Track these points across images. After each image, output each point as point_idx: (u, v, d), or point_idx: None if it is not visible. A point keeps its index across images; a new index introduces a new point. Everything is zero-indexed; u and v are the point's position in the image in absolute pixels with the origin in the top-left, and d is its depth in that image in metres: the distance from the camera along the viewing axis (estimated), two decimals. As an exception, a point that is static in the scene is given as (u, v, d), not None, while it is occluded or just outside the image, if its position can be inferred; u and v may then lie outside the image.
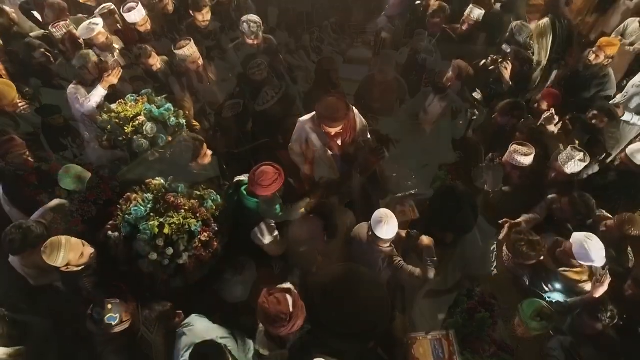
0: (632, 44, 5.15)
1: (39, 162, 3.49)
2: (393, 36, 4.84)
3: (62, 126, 3.92)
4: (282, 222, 3.21)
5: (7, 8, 4.43)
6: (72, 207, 3.13)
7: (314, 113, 3.36)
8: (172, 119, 3.51)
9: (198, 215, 2.94)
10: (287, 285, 2.60)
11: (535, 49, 4.77)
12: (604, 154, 4.21)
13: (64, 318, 3.22)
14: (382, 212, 2.97)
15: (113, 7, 4.40)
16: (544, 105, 4.02)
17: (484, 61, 4.32)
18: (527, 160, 3.40)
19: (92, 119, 3.60)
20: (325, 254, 3.28)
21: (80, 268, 2.83)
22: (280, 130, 4.37)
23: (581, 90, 4.41)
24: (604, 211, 3.39)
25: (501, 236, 3.25)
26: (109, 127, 3.40)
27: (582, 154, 3.32)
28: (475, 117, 3.98)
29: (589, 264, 2.87)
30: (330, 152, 3.50)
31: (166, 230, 2.82)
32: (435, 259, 3.14)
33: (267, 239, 3.06)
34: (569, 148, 3.38)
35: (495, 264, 3.21)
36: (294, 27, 5.07)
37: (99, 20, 4.11)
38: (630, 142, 4.91)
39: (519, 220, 3.34)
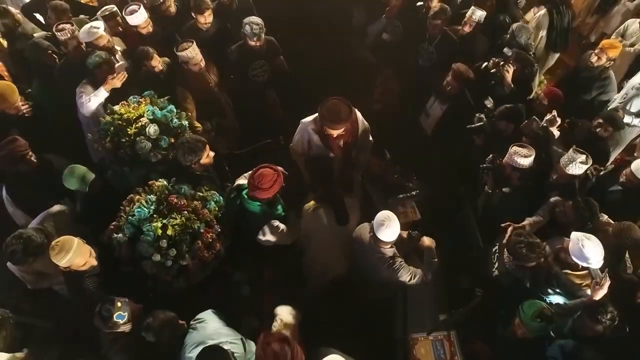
0: (632, 45, 5.17)
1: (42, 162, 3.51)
2: (394, 37, 4.85)
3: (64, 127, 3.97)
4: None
5: (11, 9, 4.44)
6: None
7: (316, 115, 3.38)
8: (175, 120, 3.52)
9: (201, 216, 2.96)
10: (285, 333, 2.53)
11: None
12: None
13: (65, 319, 3.24)
14: (385, 215, 2.98)
15: (115, 9, 4.41)
16: (545, 102, 4.03)
17: (485, 64, 4.32)
18: (527, 162, 3.41)
19: (95, 120, 3.62)
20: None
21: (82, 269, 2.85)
22: (281, 131, 4.40)
23: (582, 91, 4.42)
24: (606, 216, 3.40)
25: (505, 240, 3.27)
26: (112, 128, 3.41)
27: (584, 156, 3.32)
28: (482, 123, 3.98)
29: (584, 263, 2.88)
30: (332, 154, 3.51)
31: (169, 232, 2.84)
32: (436, 260, 3.15)
33: (273, 239, 3.08)
34: (571, 150, 3.38)
35: (496, 265, 3.22)
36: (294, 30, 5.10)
37: (100, 24, 4.11)
38: (630, 143, 4.94)
39: (524, 223, 3.34)
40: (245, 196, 3.08)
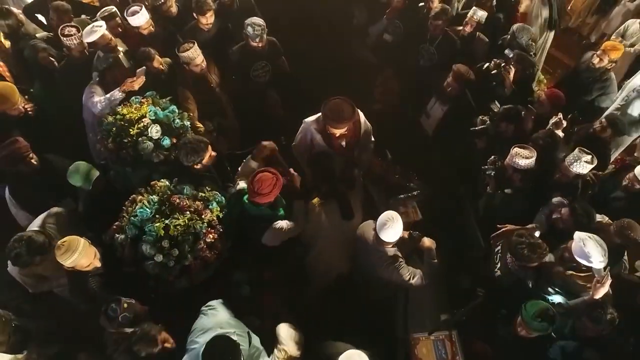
0: (632, 45, 5.17)
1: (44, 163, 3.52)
2: (395, 38, 4.86)
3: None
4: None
5: (14, 9, 4.44)
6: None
7: (319, 114, 3.40)
8: (177, 120, 3.53)
9: (203, 216, 2.97)
10: None
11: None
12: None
13: (65, 320, 3.24)
14: (389, 215, 3.00)
15: (114, 9, 4.41)
16: (546, 104, 4.04)
17: (486, 65, 4.33)
18: (528, 163, 3.42)
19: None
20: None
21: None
22: (283, 131, 4.41)
23: (582, 92, 4.42)
24: (607, 218, 3.41)
25: (495, 234, 3.34)
26: (114, 129, 3.42)
27: (589, 156, 3.34)
28: (486, 125, 3.99)
29: (586, 262, 2.88)
30: (334, 153, 3.52)
31: (171, 232, 2.85)
32: (436, 261, 3.16)
33: (279, 240, 3.09)
34: (577, 150, 3.40)
35: (499, 265, 3.22)
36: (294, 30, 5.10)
37: (102, 22, 4.12)
38: (631, 144, 4.96)
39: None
40: (247, 201, 3.09)
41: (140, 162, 3.41)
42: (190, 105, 4.02)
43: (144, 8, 4.20)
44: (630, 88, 4.55)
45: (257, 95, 4.56)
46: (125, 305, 2.61)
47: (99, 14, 4.36)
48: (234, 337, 2.45)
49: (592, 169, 3.44)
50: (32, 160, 3.37)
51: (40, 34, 4.55)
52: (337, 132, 3.31)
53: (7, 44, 4.31)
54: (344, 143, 3.47)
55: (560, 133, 3.82)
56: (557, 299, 3.02)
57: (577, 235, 2.95)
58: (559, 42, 6.72)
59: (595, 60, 4.27)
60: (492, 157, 3.71)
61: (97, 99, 3.70)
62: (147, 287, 3.03)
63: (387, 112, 4.76)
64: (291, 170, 3.26)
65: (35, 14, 4.88)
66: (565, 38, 6.94)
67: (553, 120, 3.75)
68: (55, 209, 3.32)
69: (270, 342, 2.78)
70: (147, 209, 2.93)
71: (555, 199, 3.47)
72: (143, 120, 3.41)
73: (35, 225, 3.19)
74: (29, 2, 5.07)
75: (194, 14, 4.38)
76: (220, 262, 3.06)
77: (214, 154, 3.34)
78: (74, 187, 3.37)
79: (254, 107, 4.59)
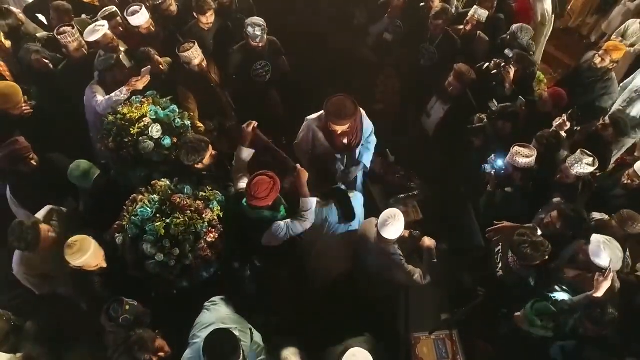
0: (632, 45, 5.17)
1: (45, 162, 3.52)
2: (396, 37, 4.86)
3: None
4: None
5: (14, 9, 4.44)
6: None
7: (321, 112, 3.40)
8: (177, 120, 3.53)
9: (204, 216, 2.96)
10: None
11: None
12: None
13: (65, 319, 3.24)
14: (390, 212, 3.01)
15: (115, 9, 4.41)
16: (548, 102, 4.05)
17: (487, 64, 4.33)
18: (528, 162, 3.42)
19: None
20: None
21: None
22: (283, 131, 4.41)
23: (583, 92, 4.41)
24: (606, 215, 3.41)
25: (491, 230, 3.37)
26: (114, 128, 3.42)
27: (591, 158, 3.34)
28: (483, 124, 4.00)
29: (604, 265, 2.89)
30: (335, 152, 3.52)
31: (172, 231, 2.84)
32: (436, 260, 3.16)
33: (279, 240, 3.09)
34: (579, 151, 3.40)
35: (500, 265, 3.22)
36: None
37: (104, 22, 4.12)
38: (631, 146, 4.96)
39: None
40: (245, 204, 3.08)
41: (141, 161, 3.41)
42: (191, 105, 4.02)
43: (144, 8, 4.21)
44: (632, 89, 4.55)
45: (258, 95, 4.56)
46: (127, 307, 2.61)
47: (100, 13, 4.36)
48: (236, 333, 2.45)
49: (597, 163, 3.43)
50: (32, 161, 3.37)
51: (41, 33, 4.56)
52: (339, 129, 3.32)
53: (8, 43, 4.31)
54: (345, 141, 3.47)
55: (563, 133, 3.81)
56: (561, 296, 3.02)
57: (595, 237, 2.97)
58: (559, 42, 6.75)
59: (597, 60, 4.27)
60: (492, 155, 3.71)
61: (101, 99, 3.70)
62: (148, 287, 3.04)
63: (387, 112, 4.77)
64: (298, 166, 3.18)
65: (36, 14, 4.88)
66: (565, 38, 6.96)
67: (557, 122, 3.73)
68: (48, 207, 3.31)
69: (271, 341, 2.78)
70: (148, 209, 2.93)
71: (555, 200, 3.48)
72: (144, 119, 3.40)
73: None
74: (29, 2, 5.07)
75: (194, 14, 4.38)
76: (222, 261, 3.05)
77: (214, 153, 3.34)
78: (75, 186, 3.38)
79: (255, 106, 4.58)
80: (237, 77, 4.55)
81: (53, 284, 3.20)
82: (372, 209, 3.90)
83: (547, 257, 2.92)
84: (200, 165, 3.25)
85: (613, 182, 3.76)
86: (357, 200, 3.38)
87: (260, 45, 4.17)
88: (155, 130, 3.37)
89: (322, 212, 3.26)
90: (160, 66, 4.09)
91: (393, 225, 2.95)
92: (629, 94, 4.52)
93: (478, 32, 4.61)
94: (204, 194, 3.11)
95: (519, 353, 2.92)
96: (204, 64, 4.00)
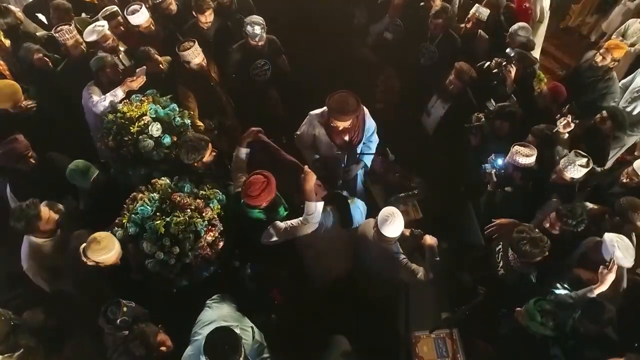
0: (632, 45, 5.17)
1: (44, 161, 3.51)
2: (396, 36, 4.86)
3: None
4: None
5: (12, 7, 4.43)
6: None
7: (324, 108, 3.40)
8: (177, 119, 3.53)
9: (204, 214, 2.96)
10: None
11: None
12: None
13: (65, 319, 3.24)
14: (389, 210, 2.99)
15: (116, 9, 4.40)
16: (547, 97, 4.04)
17: (487, 64, 4.33)
18: (528, 161, 3.42)
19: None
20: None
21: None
22: (283, 130, 4.41)
23: (584, 92, 4.41)
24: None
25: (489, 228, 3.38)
26: (114, 127, 3.42)
27: (584, 159, 3.32)
28: (481, 123, 3.99)
29: (615, 261, 2.88)
30: (336, 149, 3.52)
31: (172, 230, 2.84)
32: (438, 258, 3.16)
33: (278, 239, 3.08)
34: (572, 152, 3.38)
35: (501, 264, 3.22)
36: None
37: (104, 22, 4.12)
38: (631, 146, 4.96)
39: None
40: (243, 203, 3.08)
41: (141, 160, 3.40)
42: (191, 104, 4.02)
43: (144, 7, 4.21)
44: (633, 89, 4.55)
45: (257, 94, 4.56)
46: (125, 308, 2.60)
47: (101, 13, 4.36)
48: (237, 331, 2.45)
49: (591, 164, 3.42)
50: (31, 159, 3.38)
51: (40, 33, 4.55)
52: (341, 125, 3.32)
53: (7, 42, 4.31)
54: (347, 138, 3.47)
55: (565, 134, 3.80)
56: (562, 291, 3.02)
57: (607, 236, 2.97)
58: (559, 42, 6.76)
59: (598, 58, 4.26)
60: (492, 155, 3.71)
61: (96, 99, 3.70)
62: (149, 286, 3.03)
63: (387, 111, 4.77)
64: (306, 167, 3.13)
65: (36, 13, 4.88)
66: (565, 38, 6.97)
67: (562, 122, 3.71)
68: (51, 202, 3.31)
69: (272, 340, 2.77)
70: (148, 207, 2.93)
71: (553, 200, 3.46)
72: (144, 118, 3.40)
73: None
74: (29, 1, 5.06)
75: (194, 13, 4.38)
76: (222, 260, 3.04)
77: (214, 152, 3.34)
78: (75, 185, 3.37)
79: (254, 105, 4.59)
80: (236, 76, 4.55)
81: (63, 281, 3.21)
82: (373, 209, 3.90)
83: (547, 253, 2.91)
84: (200, 164, 3.25)
85: (612, 179, 3.75)
86: (357, 208, 3.34)
87: (260, 44, 4.17)
88: (155, 129, 3.37)
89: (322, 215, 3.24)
90: (160, 65, 4.09)
91: (393, 223, 2.93)
92: (630, 94, 4.52)
93: (479, 30, 4.61)
94: (204, 192, 3.11)
95: (519, 352, 2.92)
96: (204, 63, 4.00)
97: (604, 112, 3.91)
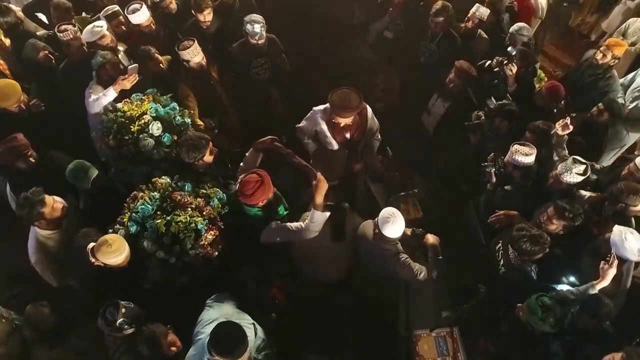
0: (633, 44, 5.17)
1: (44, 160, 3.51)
2: (396, 35, 4.87)
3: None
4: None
5: (13, 6, 4.43)
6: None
7: (327, 104, 3.41)
8: (178, 118, 3.53)
9: (204, 213, 2.96)
10: None
11: None
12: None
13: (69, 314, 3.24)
14: (390, 211, 2.97)
15: (117, 8, 4.40)
16: (545, 96, 4.03)
17: (488, 62, 4.33)
18: (528, 160, 3.41)
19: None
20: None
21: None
22: (283, 129, 4.41)
23: (585, 90, 4.41)
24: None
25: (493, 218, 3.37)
26: (115, 126, 3.42)
27: (582, 167, 3.29)
28: (480, 121, 3.99)
29: (626, 256, 2.88)
30: (336, 146, 3.52)
31: (173, 229, 2.84)
32: (441, 257, 3.16)
33: (277, 239, 3.07)
34: (571, 158, 3.36)
35: (502, 262, 3.22)
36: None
37: (102, 23, 4.12)
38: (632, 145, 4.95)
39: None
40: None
41: (141, 159, 3.40)
42: (191, 103, 4.02)
43: (144, 5, 4.20)
44: (634, 89, 4.54)
45: (257, 92, 4.56)
46: (123, 310, 2.58)
47: (102, 12, 4.35)
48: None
49: (588, 158, 3.42)
50: (30, 158, 3.37)
51: (41, 32, 4.55)
52: (343, 121, 3.32)
53: (7, 42, 4.31)
54: (348, 135, 3.47)
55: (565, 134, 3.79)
56: (564, 286, 3.02)
57: (617, 229, 2.95)
58: (559, 42, 6.75)
59: (599, 56, 4.25)
60: (492, 154, 3.71)
61: (93, 97, 3.69)
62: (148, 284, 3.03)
63: (387, 110, 4.77)
64: (319, 175, 3.02)
65: (36, 13, 4.87)
66: (565, 37, 6.95)
67: (560, 124, 3.71)
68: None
69: (274, 337, 2.77)
70: (149, 206, 2.93)
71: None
72: (144, 117, 3.40)
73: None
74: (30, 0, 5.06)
75: (193, 12, 4.38)
76: (222, 258, 3.04)
77: (215, 150, 3.34)
78: (74, 185, 3.37)
79: (255, 104, 4.59)
80: (236, 75, 4.56)
81: (69, 276, 3.22)
82: (373, 208, 3.91)
83: (547, 250, 2.91)
84: (200, 163, 3.25)
85: (613, 177, 3.74)
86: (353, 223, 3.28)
87: (260, 42, 4.17)
88: (156, 128, 3.37)
89: None
90: (161, 65, 4.08)
91: (394, 224, 2.92)
92: (632, 94, 4.51)
93: (479, 30, 4.61)
94: (204, 191, 3.11)
95: (519, 350, 2.92)
96: (204, 62, 4.00)
97: (600, 105, 3.91)
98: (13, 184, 3.49)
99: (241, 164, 3.43)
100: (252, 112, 4.60)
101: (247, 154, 3.43)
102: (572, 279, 3.08)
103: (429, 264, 3.14)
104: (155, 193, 3.02)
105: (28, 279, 3.62)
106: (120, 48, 4.31)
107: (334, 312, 3.42)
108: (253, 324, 2.67)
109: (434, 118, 4.40)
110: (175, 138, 3.44)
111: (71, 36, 3.92)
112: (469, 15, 4.51)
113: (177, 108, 3.59)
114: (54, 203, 3.06)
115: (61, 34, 3.91)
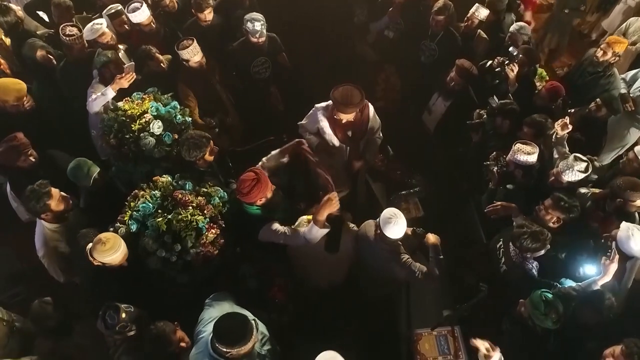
0: (634, 44, 5.17)
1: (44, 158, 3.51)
2: (396, 34, 4.86)
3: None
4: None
5: (13, 6, 4.43)
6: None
7: (329, 102, 3.42)
8: (179, 116, 3.53)
9: (205, 212, 2.96)
10: None
11: None
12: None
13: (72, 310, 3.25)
14: (392, 212, 2.95)
15: (120, 7, 4.39)
16: (545, 96, 4.03)
17: (489, 62, 4.33)
18: (530, 159, 3.40)
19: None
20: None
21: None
22: (284, 128, 4.40)
23: (585, 89, 4.40)
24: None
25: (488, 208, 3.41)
26: (116, 125, 3.41)
27: (584, 164, 3.28)
28: (483, 119, 3.99)
29: (632, 252, 2.88)
30: (338, 143, 3.52)
31: (174, 227, 2.84)
32: (442, 257, 3.15)
33: (272, 240, 3.06)
34: (572, 156, 3.35)
35: (503, 260, 3.21)
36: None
37: (102, 20, 4.12)
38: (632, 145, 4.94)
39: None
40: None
41: (142, 158, 3.40)
42: (191, 103, 4.02)
43: (144, 4, 4.20)
44: (636, 88, 4.53)
45: (258, 91, 4.56)
46: (124, 314, 2.58)
47: (105, 11, 4.35)
48: None
49: (587, 154, 3.41)
50: (31, 157, 3.38)
51: (41, 31, 4.55)
52: (344, 118, 3.32)
53: (8, 41, 4.31)
54: (350, 133, 3.47)
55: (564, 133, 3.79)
56: (567, 282, 3.02)
57: (624, 225, 2.95)
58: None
59: (599, 53, 4.25)
60: (494, 152, 3.70)
61: (92, 97, 3.69)
62: (152, 284, 3.04)
63: (388, 109, 4.76)
64: (334, 194, 2.97)
65: (37, 11, 4.88)
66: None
67: (559, 123, 3.70)
68: None
69: (275, 335, 2.77)
70: (150, 204, 2.93)
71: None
72: (145, 116, 3.41)
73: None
74: (30, -1, 5.06)
75: (193, 11, 4.38)
76: (223, 257, 3.04)
77: (216, 149, 3.34)
78: (75, 183, 3.37)
79: (255, 103, 4.59)
80: (237, 74, 4.55)
81: (75, 272, 3.22)
82: (374, 206, 3.90)
83: (549, 246, 2.91)
84: (201, 162, 3.25)
85: (614, 172, 3.73)
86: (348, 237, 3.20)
87: (261, 40, 4.16)
88: (157, 127, 3.37)
89: None
90: (162, 64, 4.08)
91: (396, 224, 2.90)
92: (633, 93, 4.51)
93: (478, 30, 4.60)
94: (205, 190, 3.11)
95: (521, 349, 2.91)
96: (203, 61, 3.99)
97: (599, 100, 3.91)
98: (13, 183, 3.49)
99: (263, 159, 3.35)
100: (253, 110, 4.60)
101: (273, 152, 3.37)
102: (575, 274, 3.08)
103: (430, 263, 3.13)
104: (156, 192, 3.02)
105: (29, 278, 3.64)
106: (121, 47, 4.31)
107: (335, 311, 3.42)
108: (254, 319, 2.65)
109: (434, 117, 4.40)
110: (176, 137, 3.45)
111: (77, 41, 3.94)
112: (469, 15, 4.51)
113: (178, 107, 3.59)
114: (60, 194, 3.09)
115: (67, 38, 3.91)
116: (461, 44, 4.60)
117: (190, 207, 2.93)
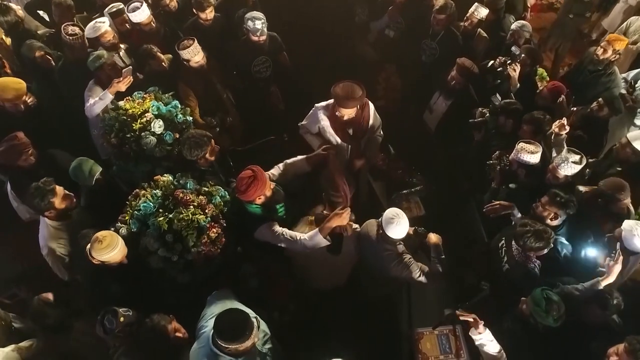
0: (634, 43, 5.17)
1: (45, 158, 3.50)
2: (397, 33, 4.86)
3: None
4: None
5: (13, 5, 4.43)
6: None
7: (330, 100, 3.42)
8: (180, 116, 3.53)
9: (206, 211, 2.95)
10: None
11: None
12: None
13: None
14: (394, 212, 2.94)
15: (122, 6, 4.39)
16: (547, 96, 4.02)
17: (491, 62, 4.32)
18: (533, 159, 3.40)
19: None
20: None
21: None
22: (284, 127, 4.41)
23: (586, 88, 4.39)
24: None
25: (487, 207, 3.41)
26: (117, 124, 3.41)
27: (578, 156, 3.29)
28: (484, 118, 3.99)
29: (632, 247, 2.89)
30: (339, 141, 3.52)
31: (175, 226, 2.83)
32: (444, 256, 3.14)
33: (269, 240, 3.06)
34: (565, 150, 3.36)
35: (505, 259, 3.21)
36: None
37: (104, 19, 4.12)
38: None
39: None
40: None
41: (143, 157, 3.40)
42: (191, 102, 4.01)
43: (144, 4, 4.20)
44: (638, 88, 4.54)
45: (259, 90, 4.55)
46: (122, 318, 2.57)
47: (106, 9, 4.35)
48: None
49: (588, 152, 3.41)
50: (31, 157, 3.38)
51: (42, 30, 4.55)
52: (346, 114, 3.31)
53: (8, 40, 4.31)
54: (350, 131, 3.46)
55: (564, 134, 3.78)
56: (571, 281, 3.01)
57: (627, 223, 2.96)
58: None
59: (600, 51, 4.25)
60: (497, 152, 3.70)
61: (91, 101, 3.69)
62: (153, 284, 3.03)
63: (389, 108, 4.76)
64: (348, 210, 2.95)
65: (37, 11, 4.88)
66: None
67: (557, 124, 3.70)
68: None
69: (276, 335, 2.76)
70: (151, 203, 2.92)
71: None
72: (146, 115, 3.41)
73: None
74: (31, -2, 5.06)
75: (194, 10, 4.38)
76: (224, 256, 3.04)
77: (217, 148, 3.33)
78: (76, 182, 3.37)
79: (256, 103, 4.59)
80: (237, 73, 4.55)
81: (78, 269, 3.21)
82: (375, 205, 3.90)
83: (552, 245, 2.90)
84: (202, 161, 3.25)
85: (610, 162, 3.73)
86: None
87: (261, 39, 4.16)
88: (158, 126, 3.37)
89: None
90: (163, 63, 4.08)
91: (398, 224, 2.89)
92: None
93: (478, 29, 4.60)
94: (206, 189, 3.11)
95: (523, 347, 2.91)
96: (204, 60, 3.98)
97: (600, 100, 3.91)
98: (13, 183, 3.49)
99: (287, 161, 3.30)
100: (253, 110, 4.59)
101: (296, 158, 3.31)
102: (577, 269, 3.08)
103: (432, 263, 3.12)
104: (157, 191, 3.02)
105: (29, 278, 3.63)
106: (122, 46, 4.31)
107: (337, 311, 3.42)
108: (255, 317, 2.65)
109: (435, 116, 4.39)
110: (177, 136, 3.44)
111: (78, 42, 3.93)
112: (468, 14, 4.51)
113: (179, 106, 3.59)
114: (63, 192, 3.10)
115: (70, 38, 3.91)
116: (462, 43, 4.60)
117: (192, 207, 2.93)
